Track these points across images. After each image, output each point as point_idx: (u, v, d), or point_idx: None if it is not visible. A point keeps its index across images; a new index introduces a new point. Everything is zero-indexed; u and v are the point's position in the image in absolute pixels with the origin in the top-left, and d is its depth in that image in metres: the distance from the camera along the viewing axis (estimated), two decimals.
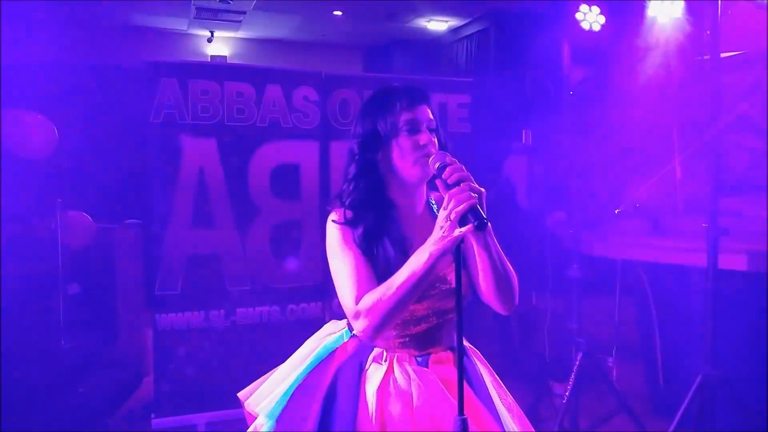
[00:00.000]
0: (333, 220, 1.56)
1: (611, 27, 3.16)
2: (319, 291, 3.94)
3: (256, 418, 1.62)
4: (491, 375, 1.67)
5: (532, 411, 3.41)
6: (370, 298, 1.43)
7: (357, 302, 1.45)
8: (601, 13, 3.22)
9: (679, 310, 3.06)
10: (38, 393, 3.87)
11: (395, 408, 1.45)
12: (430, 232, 1.41)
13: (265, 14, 8.81)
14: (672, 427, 2.40)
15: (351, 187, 1.57)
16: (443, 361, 1.58)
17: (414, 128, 1.52)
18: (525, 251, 4.12)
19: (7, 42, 3.74)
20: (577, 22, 3.15)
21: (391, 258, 1.50)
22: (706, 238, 2.44)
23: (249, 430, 1.63)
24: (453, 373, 1.55)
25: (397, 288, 1.39)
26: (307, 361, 1.63)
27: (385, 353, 1.56)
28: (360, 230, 1.52)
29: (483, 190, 1.35)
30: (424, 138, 1.51)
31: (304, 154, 4.02)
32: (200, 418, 3.68)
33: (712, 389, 2.38)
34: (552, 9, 3.24)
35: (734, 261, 2.78)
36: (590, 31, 3.20)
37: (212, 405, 3.67)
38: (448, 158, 1.40)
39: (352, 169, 1.57)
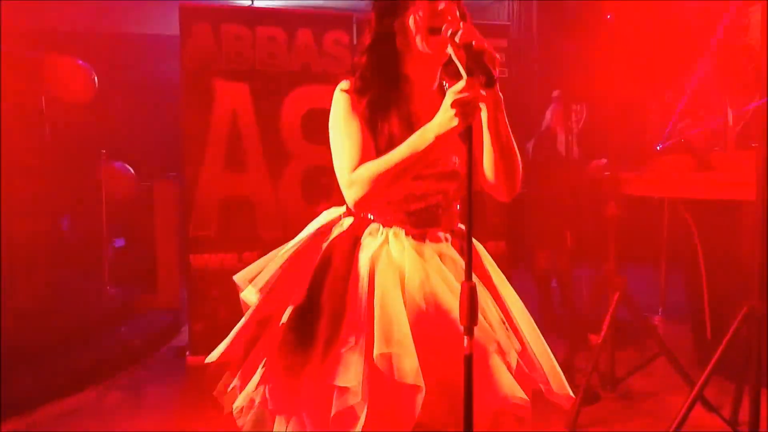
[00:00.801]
0: (342, 89, 1.50)
1: None
2: None
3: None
4: (488, 261, 1.60)
5: (566, 362, 3.30)
6: (366, 168, 1.39)
7: (352, 171, 1.41)
8: None
9: (729, 251, 2.84)
10: (86, 333, 4.05)
11: (387, 274, 1.41)
12: None
13: None
14: (715, 359, 2.26)
15: (364, 58, 1.50)
16: (440, 239, 1.51)
17: None
18: (565, 196, 3.98)
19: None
20: None
21: (396, 133, 1.43)
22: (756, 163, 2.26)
23: (246, 314, 1.59)
24: (449, 249, 1.50)
25: (396, 163, 1.35)
26: (303, 239, 1.59)
27: (381, 227, 1.51)
28: (367, 99, 1.46)
29: (498, 56, 1.26)
30: (441, 3, 1.40)
31: None
32: None
33: (758, 322, 2.22)
34: None
35: None
36: None
37: None
38: (462, 24, 1.29)
39: (367, 39, 1.50)
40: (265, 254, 4.24)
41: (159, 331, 4.46)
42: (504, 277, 1.58)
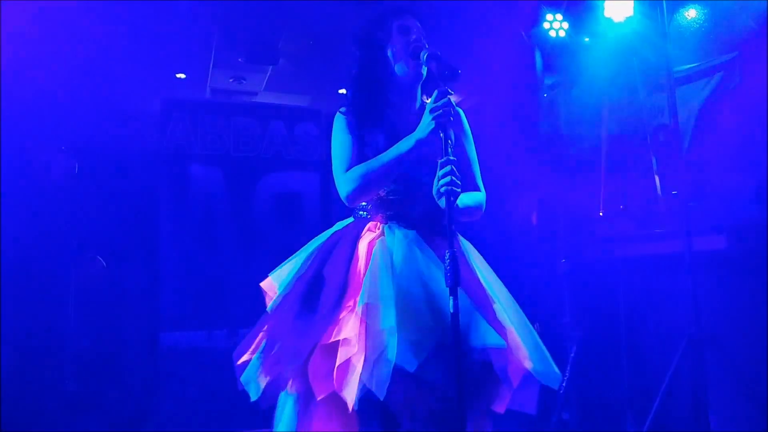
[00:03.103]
0: (339, 111, 1.83)
1: (575, 33, 3.48)
2: None
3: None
4: (478, 260, 1.80)
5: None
6: (358, 167, 1.70)
7: (346, 172, 1.71)
8: (564, 19, 3.54)
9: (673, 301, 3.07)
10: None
11: (380, 254, 1.63)
12: None
13: (276, 94, 9.43)
14: (663, 388, 2.39)
15: (353, 88, 1.84)
16: (431, 234, 1.73)
17: (405, 30, 1.79)
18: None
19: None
20: (545, 31, 3.48)
21: (382, 145, 1.73)
22: (679, 204, 2.57)
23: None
24: (435, 241, 1.72)
25: (383, 163, 1.66)
26: (315, 243, 1.83)
27: (378, 224, 1.75)
28: (357, 118, 1.78)
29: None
30: (414, 35, 1.77)
31: (305, 183, 4.27)
32: None
33: (698, 349, 2.40)
34: (522, 20, 3.57)
35: (714, 241, 2.87)
36: (557, 39, 3.52)
37: (213, 425, 3.66)
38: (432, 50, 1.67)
39: (354, 72, 1.85)
40: (234, 331, 4.26)
41: (125, 420, 4.28)
42: (491, 268, 1.79)
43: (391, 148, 1.67)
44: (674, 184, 3.35)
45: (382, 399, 1.42)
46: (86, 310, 4.74)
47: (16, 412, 3.93)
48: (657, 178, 3.58)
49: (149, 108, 4.19)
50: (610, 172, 3.52)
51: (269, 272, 4.43)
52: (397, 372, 1.43)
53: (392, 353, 1.43)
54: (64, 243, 4.18)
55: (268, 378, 1.59)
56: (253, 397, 1.65)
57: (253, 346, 1.70)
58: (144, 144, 4.05)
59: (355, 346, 1.46)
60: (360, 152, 1.74)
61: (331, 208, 4.28)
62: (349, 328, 1.49)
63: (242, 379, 1.66)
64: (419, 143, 1.60)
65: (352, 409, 1.42)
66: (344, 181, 1.72)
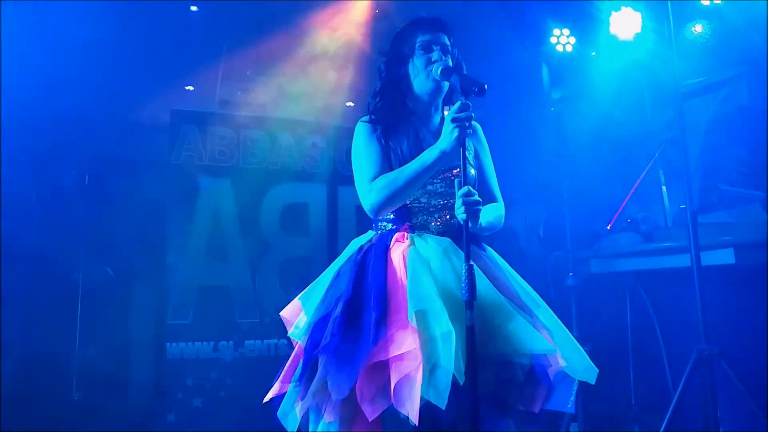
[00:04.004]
0: (362, 120, 1.84)
1: (581, 47, 3.51)
2: None
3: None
4: (504, 263, 1.82)
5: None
6: (383, 178, 1.71)
7: (371, 182, 1.71)
8: (571, 34, 3.58)
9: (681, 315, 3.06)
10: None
11: (416, 260, 1.63)
12: None
13: (284, 106, 9.50)
14: (672, 405, 2.38)
15: (377, 99, 1.86)
16: (458, 240, 1.71)
17: (426, 47, 1.80)
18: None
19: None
20: (552, 46, 3.51)
21: (407, 154, 1.74)
22: (687, 219, 2.57)
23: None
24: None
25: (408, 173, 1.66)
26: (341, 259, 1.80)
27: (406, 233, 1.75)
28: (381, 127, 1.79)
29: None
30: (435, 55, 1.78)
31: (312, 194, 4.28)
32: None
33: (708, 364, 2.38)
34: (529, 35, 3.60)
35: (723, 256, 2.86)
36: (564, 53, 3.55)
37: None
38: (450, 59, 1.74)
39: (378, 85, 1.88)
40: (240, 343, 4.25)
41: (130, 430, 4.27)
42: (518, 275, 1.80)
43: (414, 159, 1.68)
44: (682, 198, 3.35)
45: (443, 408, 1.38)
46: (93, 320, 4.75)
47: (22, 420, 3.93)
48: (665, 192, 3.58)
49: (158, 119, 4.22)
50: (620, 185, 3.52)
51: (276, 283, 4.43)
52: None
53: (448, 360, 1.40)
54: (73, 253, 4.21)
55: (307, 408, 1.54)
56: (291, 431, 1.61)
57: (285, 376, 1.67)
58: (153, 155, 4.08)
59: (417, 357, 1.42)
60: (385, 162, 1.75)
61: (338, 220, 4.29)
62: (409, 341, 1.45)
63: (279, 413, 1.63)
64: (443, 154, 1.61)
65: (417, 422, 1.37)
66: (369, 191, 1.71)
